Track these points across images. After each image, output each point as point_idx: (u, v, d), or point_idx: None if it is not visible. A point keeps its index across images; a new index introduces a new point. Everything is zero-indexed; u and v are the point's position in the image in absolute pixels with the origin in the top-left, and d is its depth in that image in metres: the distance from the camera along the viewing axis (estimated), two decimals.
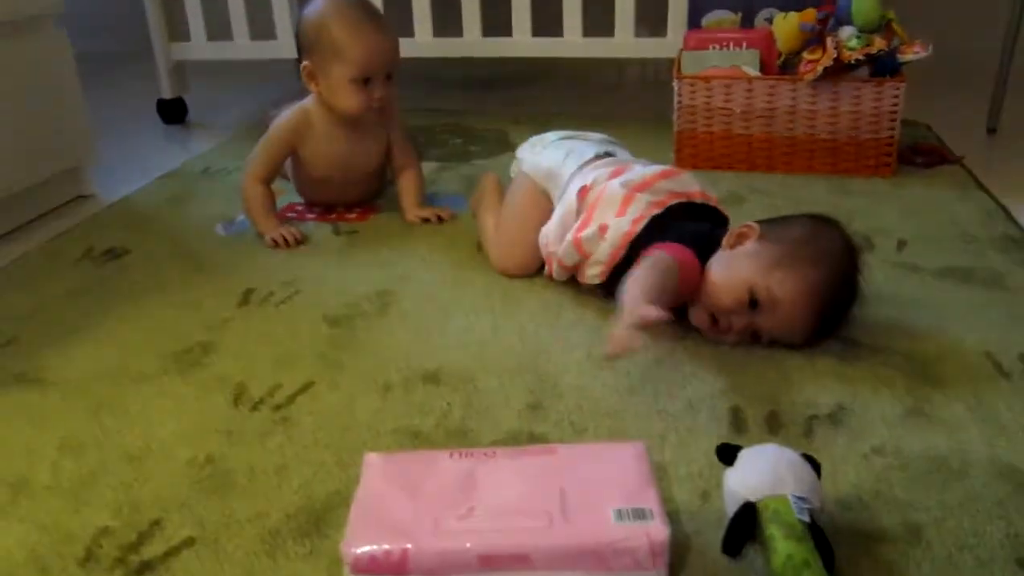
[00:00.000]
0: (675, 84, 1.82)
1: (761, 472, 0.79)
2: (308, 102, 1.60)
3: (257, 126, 1.71)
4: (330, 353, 1.18)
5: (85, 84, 1.84)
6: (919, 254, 1.43)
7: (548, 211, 1.37)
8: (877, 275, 1.35)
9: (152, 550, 0.84)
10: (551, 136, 1.48)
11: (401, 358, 1.16)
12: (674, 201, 1.25)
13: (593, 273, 1.27)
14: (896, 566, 0.78)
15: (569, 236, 1.27)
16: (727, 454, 0.84)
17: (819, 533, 0.76)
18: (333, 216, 1.67)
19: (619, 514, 0.72)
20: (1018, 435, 0.96)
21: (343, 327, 1.25)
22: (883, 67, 1.74)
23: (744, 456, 0.83)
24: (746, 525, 0.78)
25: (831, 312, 1.12)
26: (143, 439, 1.01)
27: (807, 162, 1.80)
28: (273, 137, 1.60)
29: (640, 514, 0.72)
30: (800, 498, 0.77)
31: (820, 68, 1.70)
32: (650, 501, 0.74)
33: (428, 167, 1.86)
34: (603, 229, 1.24)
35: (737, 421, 1.00)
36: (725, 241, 1.18)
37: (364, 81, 1.52)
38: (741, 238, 1.17)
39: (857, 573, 0.78)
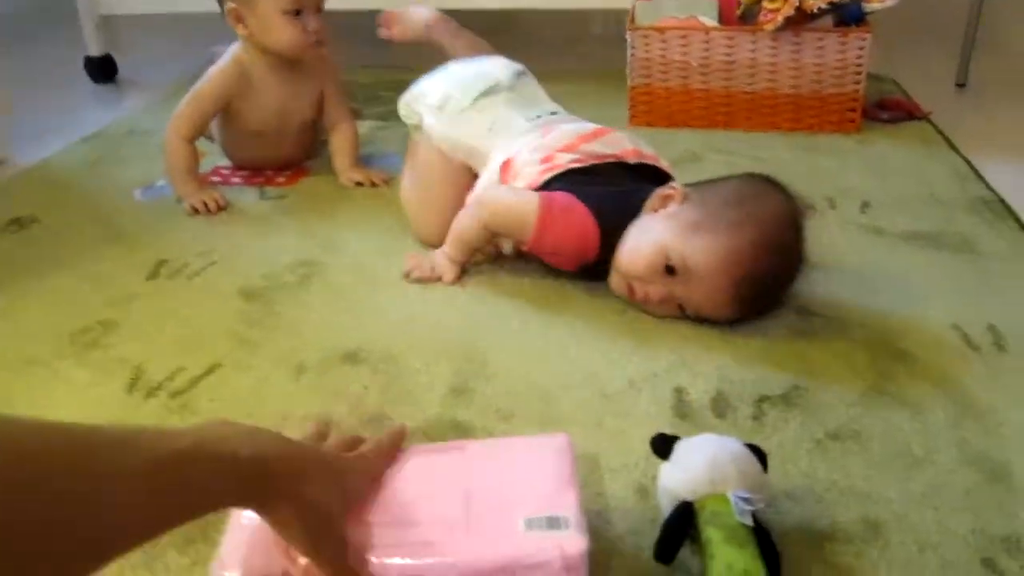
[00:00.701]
0: (628, 36, 1.70)
1: (699, 467, 0.70)
2: (238, 49, 1.48)
3: (195, 78, 1.58)
4: (242, 331, 1.08)
5: (6, 44, 1.69)
6: (884, 216, 1.34)
7: (468, 185, 1.25)
8: (838, 239, 1.27)
9: None
10: (458, 97, 1.29)
11: (319, 336, 1.06)
12: (597, 162, 1.15)
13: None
14: (851, 569, 0.70)
15: None
16: (662, 446, 0.75)
17: (764, 536, 0.67)
18: (261, 179, 1.55)
19: (529, 523, 0.62)
20: (987, 416, 0.88)
21: (259, 302, 1.15)
22: (848, 16, 1.64)
23: (681, 448, 0.74)
24: (682, 527, 0.69)
25: (759, 286, 1.01)
26: None
27: (769, 118, 1.70)
28: (205, 90, 1.47)
29: (554, 523, 0.62)
30: (743, 497, 0.68)
31: (781, 18, 1.59)
32: (567, 507, 0.64)
33: (367, 125, 1.74)
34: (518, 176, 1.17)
35: (681, 404, 0.91)
36: (648, 204, 1.09)
37: (296, 13, 1.41)
38: (665, 201, 1.08)
39: None
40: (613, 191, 1.12)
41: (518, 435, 0.85)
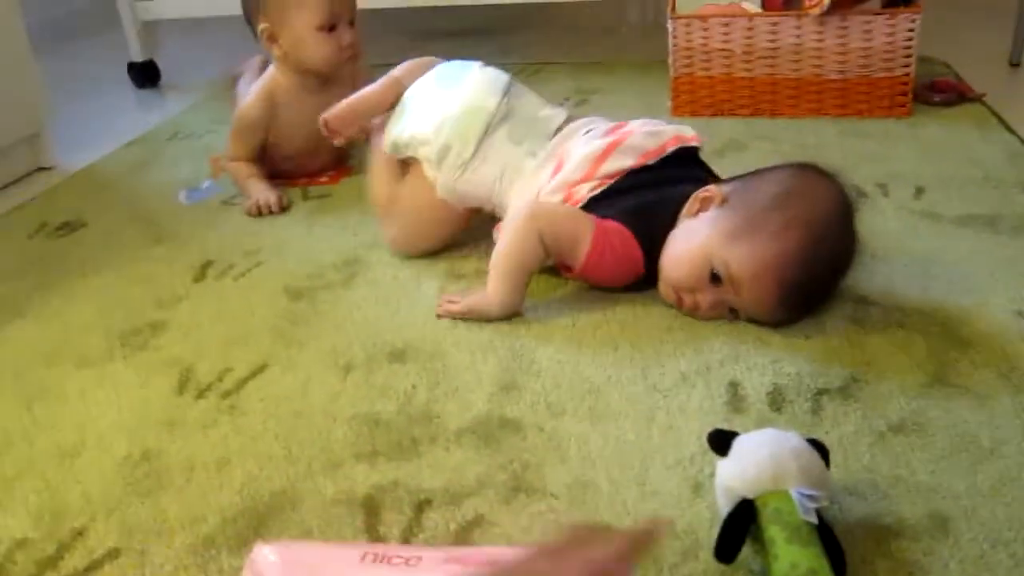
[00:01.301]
0: (670, 24, 1.68)
1: (760, 463, 0.68)
2: (270, 75, 1.49)
3: (223, 86, 1.59)
4: (288, 330, 1.08)
5: (53, 50, 1.72)
6: (938, 201, 1.30)
7: (464, 225, 1.23)
8: (893, 225, 1.23)
9: (71, 565, 0.75)
10: (457, 149, 1.17)
11: (365, 334, 1.05)
12: (620, 180, 1.09)
13: None
14: (919, 566, 0.68)
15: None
16: (720, 442, 0.72)
17: (828, 534, 0.65)
18: (304, 180, 1.55)
19: None
20: None
21: (305, 300, 1.14)
22: None
23: (740, 444, 0.71)
24: (743, 526, 0.67)
25: (809, 289, 0.98)
26: (77, 432, 0.92)
27: (815, 104, 1.66)
28: (242, 125, 1.49)
29: None
30: (806, 494, 0.66)
31: (827, 1, 1.56)
32: None
33: None
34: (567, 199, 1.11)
35: (735, 398, 0.89)
36: (686, 209, 1.04)
37: (330, 28, 1.40)
38: (704, 204, 1.03)
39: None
40: (646, 202, 1.07)
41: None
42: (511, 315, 1.05)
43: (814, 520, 0.65)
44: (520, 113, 1.20)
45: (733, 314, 1.01)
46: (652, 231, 1.04)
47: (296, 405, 0.93)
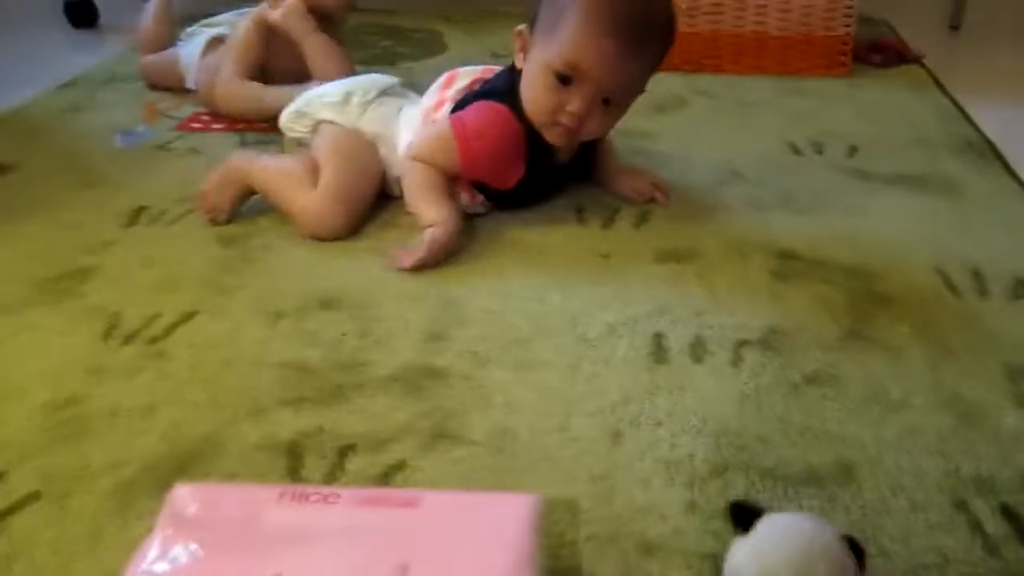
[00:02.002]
0: None
1: (788, 556, 0.59)
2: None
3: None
4: (219, 278, 1.07)
5: None
6: (870, 160, 1.33)
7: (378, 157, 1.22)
8: (823, 183, 1.26)
9: None
10: (360, 93, 1.24)
11: (297, 282, 1.05)
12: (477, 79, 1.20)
13: None
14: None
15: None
16: (743, 516, 0.64)
17: None
18: (241, 126, 1.53)
19: None
20: (965, 359, 0.88)
21: (237, 248, 1.14)
22: None
23: (767, 526, 0.62)
24: None
25: (636, 11, 1.03)
26: None
27: (756, 61, 1.67)
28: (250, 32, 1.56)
29: None
30: None
31: None
32: None
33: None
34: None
35: (659, 349, 0.90)
36: (516, 61, 1.12)
37: None
38: (520, 44, 1.11)
39: None
40: (496, 81, 1.16)
41: (475, 490, 0.73)
42: (459, 227, 1.10)
43: None
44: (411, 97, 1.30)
45: (607, 103, 1.06)
46: (510, 91, 1.11)
47: (224, 352, 0.93)
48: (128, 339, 0.96)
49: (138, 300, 1.03)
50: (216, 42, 1.62)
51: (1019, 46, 1.96)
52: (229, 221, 1.19)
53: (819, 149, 1.36)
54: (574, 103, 1.05)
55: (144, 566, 0.57)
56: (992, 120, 1.46)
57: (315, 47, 1.52)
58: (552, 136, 1.10)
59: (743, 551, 0.61)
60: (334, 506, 0.60)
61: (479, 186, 1.16)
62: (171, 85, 1.67)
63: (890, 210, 1.18)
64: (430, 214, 1.10)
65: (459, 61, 1.78)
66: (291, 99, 1.30)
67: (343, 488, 0.67)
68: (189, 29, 1.70)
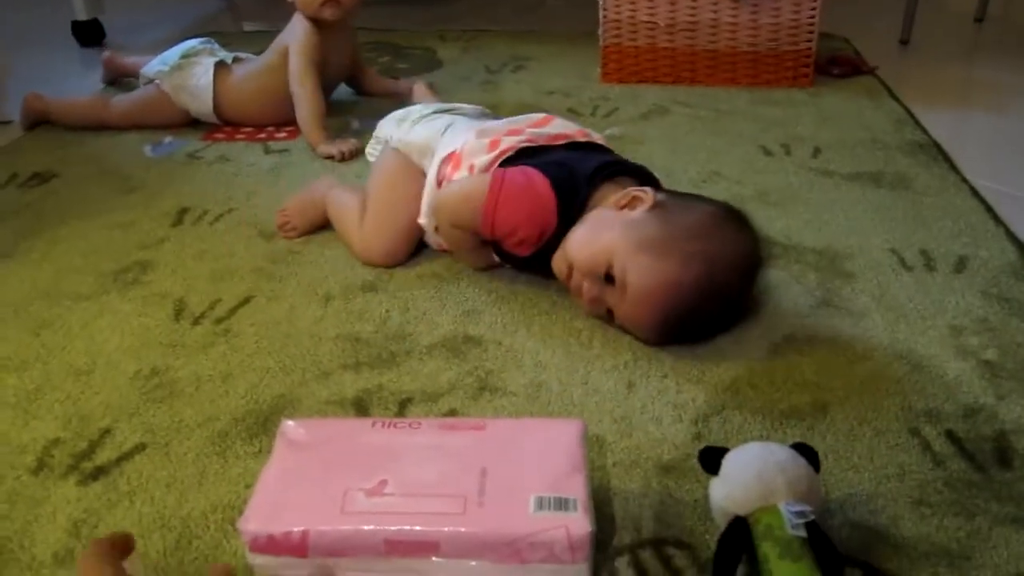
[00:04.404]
0: None
1: (747, 482, 0.69)
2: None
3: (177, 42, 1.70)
4: (268, 267, 1.21)
5: None
6: (833, 160, 1.50)
7: (423, 186, 1.18)
8: (793, 180, 1.42)
9: (104, 456, 0.87)
10: (420, 109, 1.29)
11: (339, 270, 1.19)
12: (547, 143, 1.13)
13: None
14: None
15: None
16: (710, 460, 0.74)
17: (822, 544, 0.66)
18: (263, 136, 1.66)
19: (539, 503, 0.66)
20: (916, 322, 1.04)
21: (279, 241, 1.27)
22: None
23: (729, 462, 0.73)
24: (737, 544, 0.68)
25: (686, 323, 0.98)
26: (87, 355, 1.03)
27: (729, 74, 1.84)
28: (305, 43, 1.63)
29: (562, 504, 0.66)
30: (796, 510, 0.67)
31: None
32: (576, 490, 0.67)
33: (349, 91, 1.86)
34: (471, 169, 1.12)
35: None
36: (616, 199, 1.03)
37: None
38: (634, 201, 1.02)
39: None
40: (568, 156, 1.09)
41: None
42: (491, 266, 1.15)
43: (802, 534, 0.66)
44: (485, 121, 1.26)
45: (609, 316, 1.02)
46: (572, 189, 1.04)
47: (284, 329, 1.07)
48: (197, 320, 1.09)
49: (198, 288, 1.16)
50: (222, 66, 1.70)
51: (961, 59, 2.16)
52: (300, 236, 1.28)
53: (788, 151, 1.54)
54: (591, 293, 1.00)
55: (271, 481, 0.71)
56: (938, 124, 1.64)
57: None
58: (556, 263, 1.04)
59: (717, 488, 0.72)
60: (417, 430, 0.75)
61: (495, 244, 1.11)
62: (165, 121, 1.70)
63: (851, 202, 1.35)
64: (471, 261, 1.15)
65: (454, 77, 1.95)
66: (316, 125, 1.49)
67: (422, 419, 0.81)
68: (163, 65, 1.73)
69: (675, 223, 0.98)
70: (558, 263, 1.04)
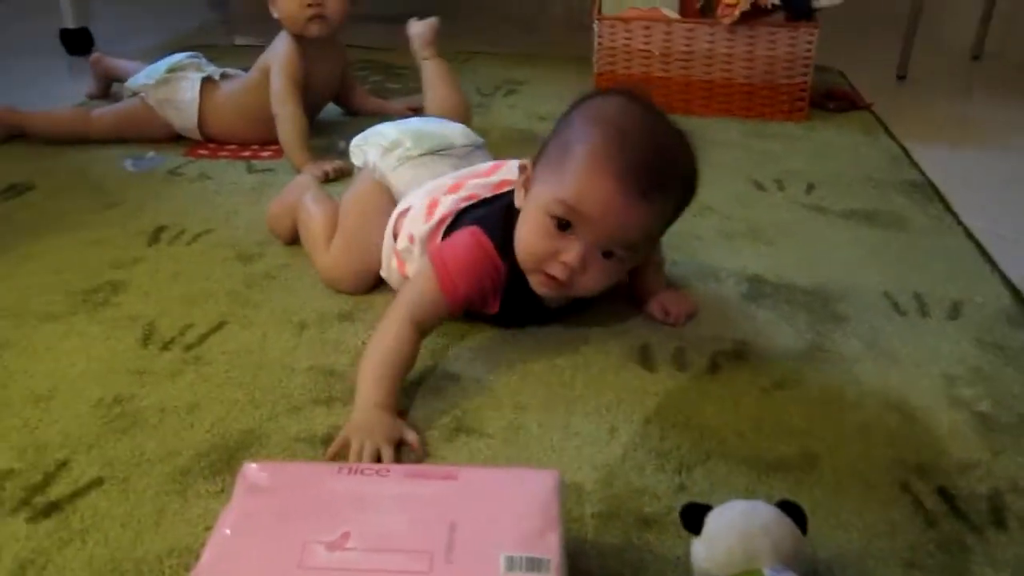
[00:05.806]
0: (595, 25, 1.81)
1: (730, 546, 0.66)
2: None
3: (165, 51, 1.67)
4: (243, 292, 1.17)
5: None
6: (826, 196, 1.47)
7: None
8: (786, 216, 1.40)
9: (58, 490, 0.83)
10: (409, 147, 1.20)
11: (315, 297, 1.16)
12: (489, 194, 1.09)
13: None
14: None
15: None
16: (693, 519, 0.70)
17: None
18: (247, 154, 1.63)
19: (510, 563, 0.62)
20: (910, 369, 1.01)
21: (257, 265, 1.24)
22: (798, 12, 1.77)
23: (711, 521, 0.69)
24: None
25: (647, 164, 0.89)
26: (49, 379, 0.99)
27: (724, 105, 1.82)
28: (286, 62, 1.61)
29: (535, 564, 0.62)
30: (780, 573, 0.64)
31: (738, 12, 1.72)
32: (550, 550, 0.64)
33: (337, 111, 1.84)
34: (411, 239, 1.09)
35: (646, 358, 1.03)
36: (516, 198, 1.01)
37: None
38: (523, 180, 0.99)
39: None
40: (499, 204, 1.05)
41: (501, 461, 0.86)
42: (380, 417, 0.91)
43: None
44: (472, 162, 1.21)
45: (609, 256, 0.94)
46: (494, 220, 1.01)
47: (256, 358, 1.03)
48: (166, 345, 1.05)
49: (170, 311, 1.12)
50: (209, 82, 1.68)
51: (958, 95, 2.15)
52: (285, 243, 1.29)
53: (781, 186, 1.51)
54: (569, 252, 0.92)
55: (227, 531, 0.67)
56: (933, 162, 1.62)
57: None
58: (536, 284, 0.98)
59: (700, 550, 0.69)
60: (386, 478, 0.71)
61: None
62: (148, 135, 1.68)
63: (844, 241, 1.32)
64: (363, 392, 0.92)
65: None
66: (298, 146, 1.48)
67: (391, 465, 0.77)
68: (148, 78, 1.71)
69: (552, 145, 0.96)
70: (538, 284, 0.98)
